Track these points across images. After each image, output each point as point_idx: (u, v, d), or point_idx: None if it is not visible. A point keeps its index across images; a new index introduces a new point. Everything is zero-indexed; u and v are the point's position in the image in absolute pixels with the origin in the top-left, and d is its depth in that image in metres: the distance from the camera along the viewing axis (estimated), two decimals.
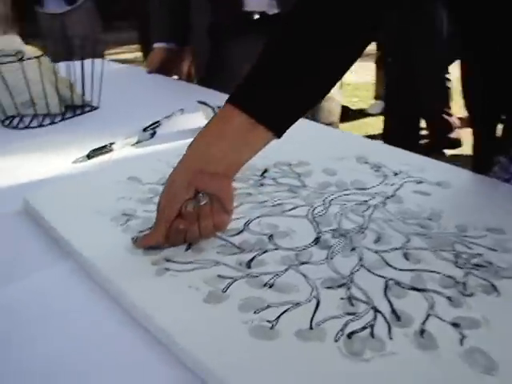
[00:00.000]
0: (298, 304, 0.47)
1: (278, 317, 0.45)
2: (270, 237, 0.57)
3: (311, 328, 0.44)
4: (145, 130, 0.95)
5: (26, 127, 1.02)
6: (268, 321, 0.44)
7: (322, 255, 0.54)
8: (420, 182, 0.70)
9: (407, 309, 0.46)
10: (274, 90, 0.51)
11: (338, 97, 1.35)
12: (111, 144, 0.89)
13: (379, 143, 0.85)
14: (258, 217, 0.61)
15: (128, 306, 0.48)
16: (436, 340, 0.43)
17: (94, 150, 0.87)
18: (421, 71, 2.26)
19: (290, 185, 0.70)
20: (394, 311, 0.46)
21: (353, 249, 0.55)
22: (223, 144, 0.52)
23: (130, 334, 0.44)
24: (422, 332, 0.44)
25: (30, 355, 0.41)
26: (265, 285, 0.49)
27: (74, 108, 1.09)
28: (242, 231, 0.58)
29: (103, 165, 0.82)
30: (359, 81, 3.93)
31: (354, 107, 3.59)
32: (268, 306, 0.46)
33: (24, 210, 0.65)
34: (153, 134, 0.94)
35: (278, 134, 0.53)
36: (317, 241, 0.57)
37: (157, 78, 1.43)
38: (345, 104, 3.03)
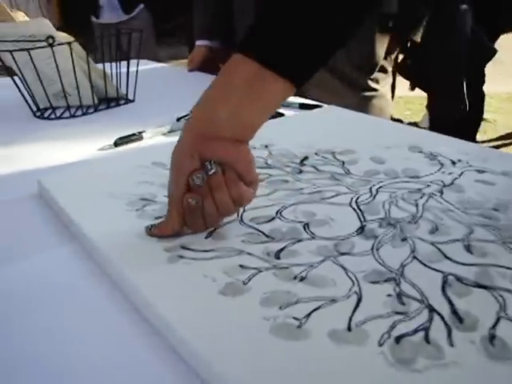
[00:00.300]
0: (333, 300, 0.39)
1: (309, 314, 0.38)
2: (306, 225, 0.50)
3: (349, 329, 0.36)
4: (178, 119, 0.91)
5: (58, 118, 0.97)
6: (295, 318, 0.37)
7: (366, 246, 0.46)
8: (482, 172, 0.62)
9: (472, 309, 0.37)
10: (284, 30, 0.43)
11: (388, 95, 1.26)
12: (141, 132, 0.84)
13: (434, 133, 0.76)
14: (292, 204, 0.55)
15: (129, 292, 0.42)
16: (511, 348, 0.33)
17: (122, 138, 0.82)
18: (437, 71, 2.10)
19: (333, 172, 0.63)
20: (454, 312, 0.37)
21: (403, 239, 0.47)
22: (230, 101, 0.43)
23: (130, 322, 0.40)
24: (492, 338, 0.34)
25: (28, 337, 0.38)
26: (295, 277, 0.42)
27: (108, 101, 1.04)
28: (273, 219, 0.52)
29: (129, 152, 0.78)
30: (411, 94, 3.81)
31: (406, 120, 3.48)
32: (297, 302, 0.39)
33: (39, 194, 0.63)
34: None
35: (295, 81, 0.44)
36: (361, 230, 0.50)
37: (197, 75, 1.39)
38: (397, 117, 2.92)
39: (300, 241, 0.48)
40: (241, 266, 0.44)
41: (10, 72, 0.97)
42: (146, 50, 1.80)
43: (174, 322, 0.37)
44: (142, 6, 2.67)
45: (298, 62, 0.44)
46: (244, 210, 0.54)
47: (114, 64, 1.03)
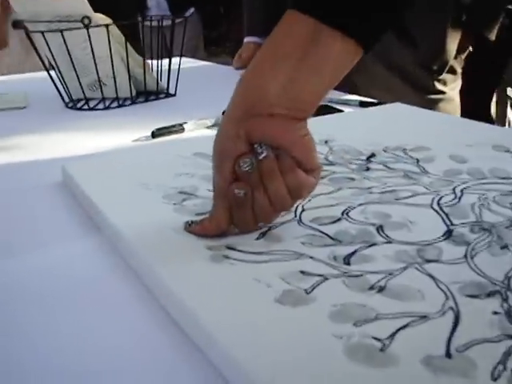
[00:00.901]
0: (424, 317, 0.33)
1: (393, 334, 0.31)
2: (379, 228, 0.45)
3: (448, 355, 0.29)
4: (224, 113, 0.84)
5: (91, 109, 0.94)
6: (376, 338, 0.31)
7: (457, 253, 0.40)
8: None
9: None
10: None
11: (457, 99, 1.18)
12: (182, 124, 0.80)
13: None
14: (361, 204, 0.50)
15: (160, 294, 0.38)
16: None
17: (161, 129, 0.78)
18: None
19: (406, 170, 0.58)
20: None
21: (503, 247, 0.41)
22: (283, 69, 0.37)
23: (163, 331, 0.35)
24: None
25: (42, 335, 0.35)
26: (372, 287, 0.36)
27: (146, 94, 1.00)
28: (338, 220, 0.47)
29: (168, 142, 0.75)
30: None
31: None
32: (376, 317, 0.33)
33: (63, 181, 0.60)
34: None
35: (362, 41, 0.38)
36: (448, 235, 0.44)
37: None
38: None
39: (374, 245, 0.42)
40: (302, 272, 0.38)
41: (46, 66, 0.94)
42: (196, 57, 1.77)
43: (218, 335, 0.31)
44: (192, 9, 2.65)
45: (364, 17, 0.38)
46: (303, 209, 0.49)
47: (156, 61, 1.00)
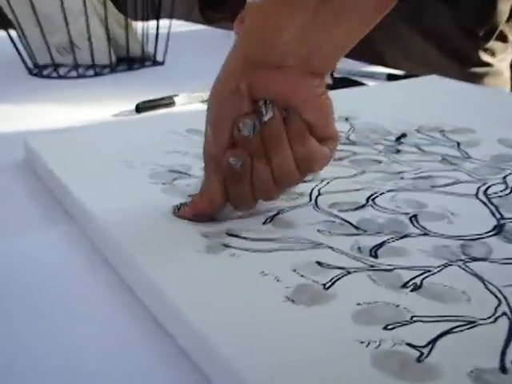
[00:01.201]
0: (471, 323, 0.32)
1: (433, 341, 0.30)
2: (413, 217, 0.45)
3: (503, 369, 0.28)
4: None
5: (61, 77, 0.93)
6: (412, 345, 0.30)
7: (510, 251, 0.40)
8: None
9: None
10: None
11: (506, 73, 1.17)
12: (172, 96, 0.80)
13: None
14: (390, 190, 0.50)
15: (144, 292, 0.37)
16: None
17: (147, 102, 0.77)
18: None
19: (444, 154, 0.58)
20: None
21: None
22: (300, 11, 0.36)
23: (137, 331, 0.34)
24: None
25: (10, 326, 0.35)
26: (405, 285, 0.35)
27: (129, 61, 0.99)
28: (362, 206, 0.47)
29: (155, 117, 0.75)
30: None
31: None
32: (412, 320, 0.32)
33: (25, 159, 0.61)
34: None
35: None
36: (498, 229, 0.43)
37: None
38: None
39: (406, 236, 0.42)
40: (319, 263, 0.38)
41: (5, 24, 0.93)
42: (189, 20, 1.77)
43: (218, 343, 0.30)
44: None
45: None
46: (319, 193, 0.49)
47: (142, 23, 0.99)
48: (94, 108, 0.78)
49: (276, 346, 0.30)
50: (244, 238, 0.41)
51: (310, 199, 0.47)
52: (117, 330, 0.34)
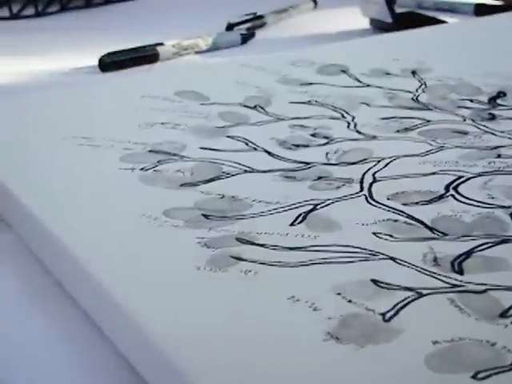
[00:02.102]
0: None
1: None
2: None
3: None
4: (230, 27, 0.92)
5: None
6: None
7: None
8: None
9: None
10: None
11: None
12: (155, 46, 0.82)
13: None
14: (482, 173, 0.51)
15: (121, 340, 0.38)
16: None
17: (115, 54, 0.78)
18: None
19: None
20: None
21: None
22: None
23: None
24: None
25: None
26: (505, 313, 0.35)
27: None
28: (441, 197, 0.48)
29: (130, 77, 0.77)
30: None
31: None
32: None
33: None
34: (246, 38, 0.90)
35: None
36: None
37: None
38: None
39: (506, 241, 0.42)
40: (375, 282, 0.38)
41: None
42: None
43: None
44: None
45: None
46: (374, 179, 0.49)
47: None
48: (35, 63, 0.80)
49: None
50: (263, 245, 0.42)
51: (362, 188, 0.48)
52: None
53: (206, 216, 0.45)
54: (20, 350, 0.38)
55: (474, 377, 0.31)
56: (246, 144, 0.55)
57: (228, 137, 0.56)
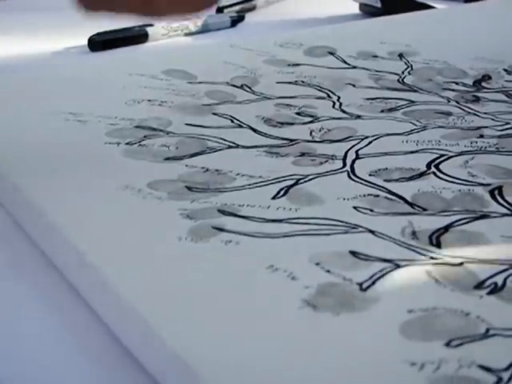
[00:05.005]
0: None
1: None
2: (496, 190, 0.46)
3: None
4: (220, 10, 0.92)
5: None
6: (487, 369, 0.30)
7: None
8: None
9: None
10: None
11: None
12: (144, 27, 0.82)
13: None
14: (463, 152, 0.52)
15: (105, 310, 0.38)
16: None
17: (104, 34, 0.79)
18: None
19: None
20: None
21: None
22: None
23: None
24: None
25: None
26: (479, 285, 0.36)
27: None
28: (421, 174, 0.48)
29: (119, 56, 0.77)
30: None
31: None
32: (489, 334, 0.33)
33: None
34: (236, 21, 0.91)
35: None
36: None
37: None
38: None
39: (484, 217, 0.43)
40: (354, 253, 0.39)
41: None
42: None
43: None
44: None
45: None
46: (357, 156, 0.50)
47: None
48: (24, 42, 0.81)
49: (293, 371, 0.31)
50: (245, 217, 0.42)
51: (344, 164, 0.48)
52: None
53: (189, 188, 0.45)
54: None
55: (447, 344, 0.32)
56: (232, 121, 0.55)
57: (214, 114, 0.56)
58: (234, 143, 0.51)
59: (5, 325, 0.38)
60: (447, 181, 0.47)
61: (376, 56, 0.69)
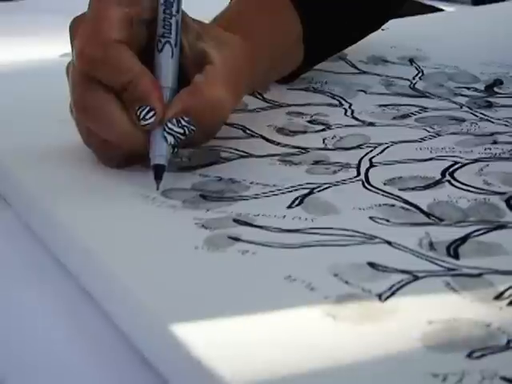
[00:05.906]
0: None
1: None
2: (510, 200, 0.46)
3: None
4: None
5: None
6: (510, 381, 0.30)
7: None
8: None
9: None
10: None
11: None
12: None
13: None
14: (477, 159, 0.51)
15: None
16: None
17: None
18: None
19: None
20: None
21: None
22: None
23: None
24: None
25: None
26: (499, 296, 0.36)
27: None
28: (436, 183, 0.48)
29: None
30: None
31: None
32: (510, 346, 0.32)
33: None
34: None
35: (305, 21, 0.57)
36: None
37: None
38: None
39: (501, 227, 0.43)
40: (372, 264, 0.38)
41: None
42: None
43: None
44: None
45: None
46: (371, 164, 0.50)
47: None
48: (32, 45, 0.80)
49: (314, 381, 0.31)
50: (261, 227, 0.42)
51: (358, 172, 0.48)
52: None
53: (203, 197, 0.45)
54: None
55: (469, 355, 0.31)
56: (244, 131, 0.55)
57: (226, 124, 0.55)
58: (246, 152, 0.51)
59: (14, 324, 0.39)
60: (462, 189, 0.47)
61: (386, 61, 0.69)
